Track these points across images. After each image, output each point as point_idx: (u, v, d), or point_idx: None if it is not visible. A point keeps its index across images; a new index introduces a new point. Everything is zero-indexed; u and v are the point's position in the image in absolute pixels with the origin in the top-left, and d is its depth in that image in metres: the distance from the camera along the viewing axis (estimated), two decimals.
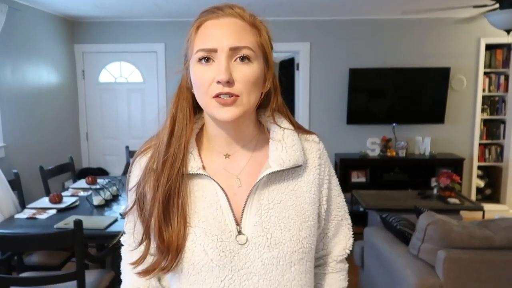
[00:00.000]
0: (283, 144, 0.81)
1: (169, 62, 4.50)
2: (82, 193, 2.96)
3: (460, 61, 4.48)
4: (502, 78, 4.61)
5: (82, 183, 3.28)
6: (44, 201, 2.73)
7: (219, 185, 0.79)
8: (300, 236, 0.79)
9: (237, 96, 0.73)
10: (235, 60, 0.74)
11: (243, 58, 0.74)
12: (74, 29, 4.53)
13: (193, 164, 0.79)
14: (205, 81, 0.74)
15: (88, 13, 4.18)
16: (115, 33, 4.54)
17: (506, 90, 4.61)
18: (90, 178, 3.19)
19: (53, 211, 2.54)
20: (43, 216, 2.46)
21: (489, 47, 4.53)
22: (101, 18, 4.41)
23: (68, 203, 2.66)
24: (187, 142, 0.80)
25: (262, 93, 0.80)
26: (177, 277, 0.80)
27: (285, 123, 0.85)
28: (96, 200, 2.66)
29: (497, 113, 4.67)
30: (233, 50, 0.73)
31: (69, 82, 4.48)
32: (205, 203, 0.79)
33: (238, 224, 0.78)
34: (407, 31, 4.47)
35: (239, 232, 0.77)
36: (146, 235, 0.80)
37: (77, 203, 2.70)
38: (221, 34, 0.73)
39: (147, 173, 0.80)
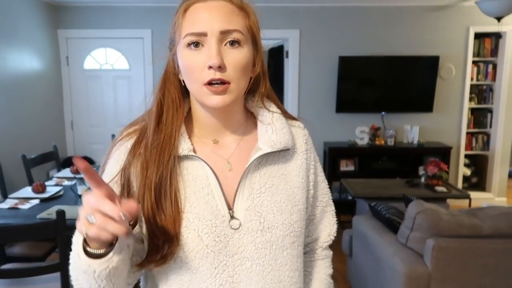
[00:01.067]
0: (273, 127, 0.82)
1: (156, 48, 4.40)
2: (66, 183, 2.89)
3: (449, 49, 4.47)
4: (490, 67, 4.63)
5: (66, 172, 3.21)
6: (27, 191, 2.66)
7: (211, 167, 0.77)
8: (292, 220, 0.79)
9: (228, 83, 0.72)
10: (225, 45, 0.72)
11: (233, 43, 0.73)
12: (57, 13, 4.38)
13: (184, 146, 0.77)
14: (195, 67, 0.72)
15: None
16: (100, 19, 4.41)
17: (494, 79, 4.64)
18: (74, 167, 3.12)
19: (36, 201, 2.48)
20: (26, 206, 2.40)
21: (477, 36, 4.53)
22: (85, 2, 4.28)
23: (52, 193, 2.60)
24: (178, 128, 0.78)
25: (251, 77, 0.79)
26: (169, 266, 0.76)
27: (274, 107, 0.85)
28: (81, 189, 2.59)
29: (485, 102, 4.70)
30: (224, 33, 0.72)
31: (53, 68, 4.35)
32: (196, 187, 0.77)
33: (230, 208, 0.77)
34: (396, 19, 4.44)
35: (232, 217, 0.76)
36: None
37: (61, 193, 2.64)
38: (211, 17, 0.72)
39: (132, 159, 0.76)
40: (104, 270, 0.64)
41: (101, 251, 0.63)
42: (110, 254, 0.63)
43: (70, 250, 0.70)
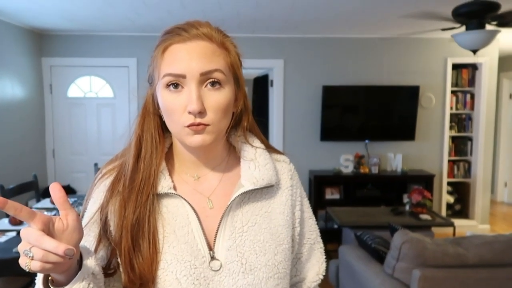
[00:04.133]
0: (256, 163, 0.79)
1: (142, 77, 4.41)
2: (46, 214, 2.80)
3: (428, 79, 4.61)
4: (468, 96, 4.78)
5: (46, 202, 3.13)
6: (4, 223, 2.58)
7: (191, 205, 0.74)
8: (276, 261, 0.75)
9: (208, 125, 0.70)
10: (205, 86, 0.70)
11: (214, 83, 0.70)
12: (42, 42, 4.38)
13: (164, 184, 0.75)
14: (175, 110, 0.70)
15: (56, 26, 4.06)
16: (85, 47, 4.42)
17: (472, 108, 4.77)
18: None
19: (13, 234, 2.40)
20: (2, 239, 2.31)
21: (455, 67, 4.69)
22: (70, 31, 4.30)
23: None
24: (158, 166, 0.75)
25: (233, 112, 0.77)
26: None
27: (257, 142, 0.82)
28: None
29: (464, 130, 4.82)
30: (204, 75, 0.69)
31: (36, 96, 4.30)
32: (175, 226, 0.74)
33: (210, 248, 0.74)
34: (378, 49, 4.57)
35: (212, 258, 0.73)
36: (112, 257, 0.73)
37: None
38: (190, 58, 0.69)
39: (110, 198, 0.74)
40: None
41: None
42: (69, 285, 0.60)
43: None
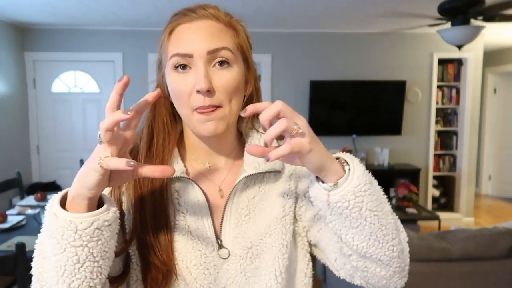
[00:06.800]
0: None
1: (127, 71, 4.35)
2: (30, 211, 2.76)
3: (415, 74, 4.65)
4: (454, 91, 4.83)
5: (30, 199, 3.07)
6: None
7: (202, 190, 0.72)
8: (284, 241, 0.74)
9: (219, 106, 0.68)
10: (213, 66, 0.68)
11: (222, 63, 0.68)
12: (24, 36, 4.28)
13: (177, 168, 0.73)
14: (183, 91, 0.68)
15: (40, 20, 3.97)
16: (70, 41, 4.34)
17: (458, 102, 4.83)
18: (39, 195, 2.99)
19: None
20: None
21: (441, 62, 4.74)
22: (54, 25, 4.21)
23: (13, 223, 2.47)
24: (170, 152, 0.74)
25: (244, 96, 0.75)
26: None
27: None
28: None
29: (450, 125, 4.87)
30: (211, 53, 0.67)
31: (19, 91, 4.22)
32: (186, 213, 0.72)
33: (217, 237, 0.73)
34: (365, 45, 4.59)
35: (220, 246, 0.72)
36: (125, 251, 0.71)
37: (23, 222, 2.51)
38: (196, 37, 0.68)
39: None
40: (89, 228, 0.57)
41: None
42: (96, 211, 0.59)
43: (30, 283, 0.64)
